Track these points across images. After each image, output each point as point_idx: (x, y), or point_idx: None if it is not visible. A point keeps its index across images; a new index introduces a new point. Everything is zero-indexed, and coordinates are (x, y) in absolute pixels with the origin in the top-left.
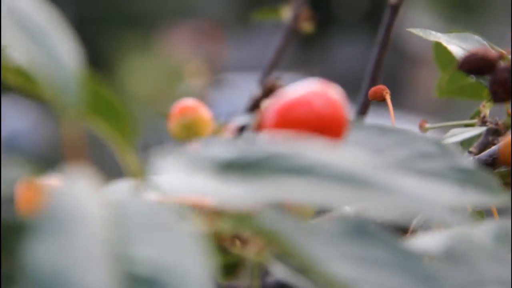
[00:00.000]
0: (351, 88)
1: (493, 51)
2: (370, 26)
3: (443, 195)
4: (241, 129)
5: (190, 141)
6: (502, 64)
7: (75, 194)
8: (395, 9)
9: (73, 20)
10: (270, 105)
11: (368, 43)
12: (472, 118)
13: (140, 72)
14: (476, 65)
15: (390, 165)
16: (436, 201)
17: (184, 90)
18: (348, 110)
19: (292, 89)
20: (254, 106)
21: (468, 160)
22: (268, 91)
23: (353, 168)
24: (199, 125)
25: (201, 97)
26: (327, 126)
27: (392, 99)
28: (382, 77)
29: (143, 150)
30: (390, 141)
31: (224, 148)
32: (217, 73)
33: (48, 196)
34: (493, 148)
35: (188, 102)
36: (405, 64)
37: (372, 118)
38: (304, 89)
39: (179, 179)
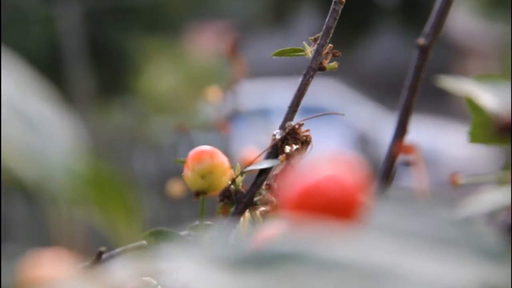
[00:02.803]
0: (386, 81)
1: None
2: (404, 18)
3: (468, 282)
4: (261, 174)
5: (207, 188)
6: None
7: None
8: (425, 50)
9: (97, 22)
10: (286, 188)
11: (403, 35)
12: (507, 167)
13: (164, 74)
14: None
15: (413, 251)
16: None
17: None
18: (368, 190)
19: (308, 169)
20: (276, 151)
21: (496, 242)
22: (290, 136)
23: (372, 260)
24: (216, 173)
25: (221, 117)
26: (341, 213)
27: (440, 94)
28: (430, 70)
29: (173, 152)
30: (415, 223)
31: (240, 245)
32: (238, 79)
33: None
34: None
35: (204, 148)
36: (453, 56)
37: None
38: (319, 172)
39: (196, 275)
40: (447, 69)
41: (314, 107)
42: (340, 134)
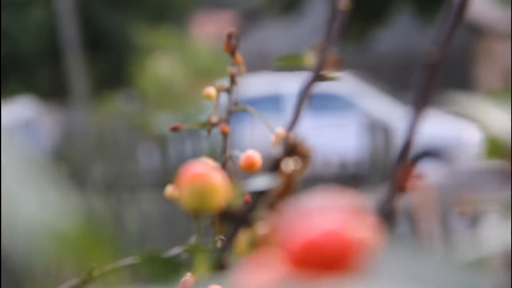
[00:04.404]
0: (391, 69)
1: None
2: (418, 6)
3: None
4: (260, 194)
5: (201, 210)
6: None
7: None
8: (433, 69)
9: (102, 10)
10: (286, 240)
11: (410, 23)
12: None
13: (170, 64)
14: None
15: None
16: None
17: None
18: (375, 240)
19: (310, 218)
20: (275, 166)
21: None
22: (290, 151)
23: None
24: (212, 193)
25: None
26: (343, 269)
27: (465, 77)
28: (454, 54)
29: (180, 146)
30: (421, 269)
31: None
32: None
33: None
34: None
35: (200, 168)
36: (478, 38)
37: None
38: (320, 224)
39: None
40: (469, 51)
41: (328, 94)
42: (355, 122)
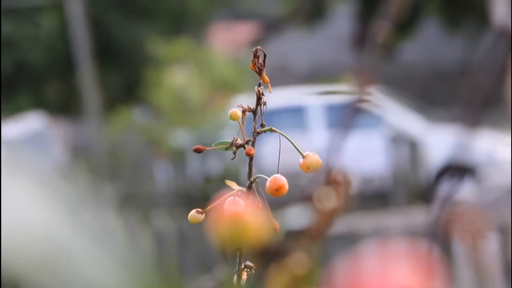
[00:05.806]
0: (417, 79)
1: None
2: (439, 16)
3: None
4: (292, 234)
5: (236, 246)
6: None
7: None
8: (483, 100)
9: (117, 21)
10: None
11: (435, 34)
12: None
13: (187, 76)
14: None
15: None
16: None
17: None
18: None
19: (380, 269)
20: (307, 197)
21: None
22: (330, 184)
23: None
24: (247, 232)
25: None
26: None
27: (496, 87)
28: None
29: (201, 163)
30: None
31: None
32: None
33: None
34: None
35: (236, 207)
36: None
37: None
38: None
39: None
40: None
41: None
42: (381, 135)
